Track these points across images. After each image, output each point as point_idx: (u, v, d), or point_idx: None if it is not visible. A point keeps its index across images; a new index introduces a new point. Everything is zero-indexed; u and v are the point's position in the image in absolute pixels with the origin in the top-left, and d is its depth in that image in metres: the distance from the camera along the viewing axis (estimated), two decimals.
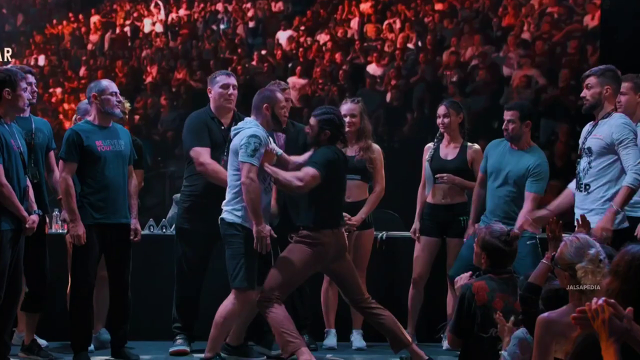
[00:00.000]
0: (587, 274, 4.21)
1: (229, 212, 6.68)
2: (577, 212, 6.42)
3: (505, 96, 11.86)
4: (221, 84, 7.38)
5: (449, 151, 7.82)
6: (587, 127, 6.64)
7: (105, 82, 7.10)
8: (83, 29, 12.91)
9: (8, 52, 5.81)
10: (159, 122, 12.40)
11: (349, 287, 6.93)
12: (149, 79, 12.51)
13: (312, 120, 6.80)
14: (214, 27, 12.83)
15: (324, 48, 12.47)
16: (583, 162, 6.56)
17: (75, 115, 7.75)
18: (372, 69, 12.33)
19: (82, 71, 12.68)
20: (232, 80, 7.39)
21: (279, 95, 6.84)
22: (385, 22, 12.50)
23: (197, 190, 7.38)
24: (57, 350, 7.45)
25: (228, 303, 6.68)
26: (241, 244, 6.61)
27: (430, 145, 7.91)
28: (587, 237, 4.40)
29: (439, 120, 7.81)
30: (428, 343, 7.65)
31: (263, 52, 12.51)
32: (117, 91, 7.05)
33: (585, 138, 6.59)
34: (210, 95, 7.45)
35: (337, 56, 12.38)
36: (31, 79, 7.01)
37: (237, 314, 6.73)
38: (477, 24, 12.34)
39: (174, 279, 7.47)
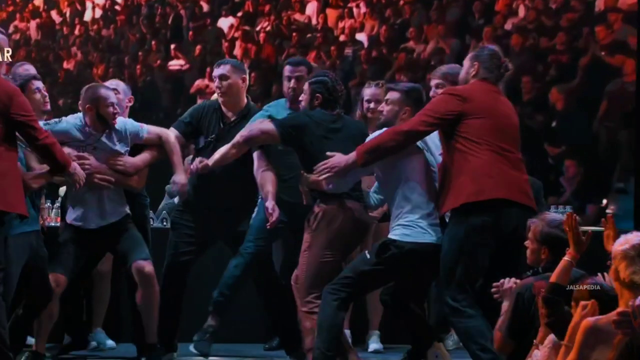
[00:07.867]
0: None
1: None
2: None
3: None
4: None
5: None
6: None
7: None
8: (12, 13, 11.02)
9: (8, 52, 5.21)
10: None
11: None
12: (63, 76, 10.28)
13: (305, 86, 6.30)
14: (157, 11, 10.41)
15: (255, 40, 9.57)
16: None
17: None
18: None
19: None
20: (217, 72, 6.86)
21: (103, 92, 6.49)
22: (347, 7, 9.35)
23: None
24: (47, 350, 7.00)
25: None
26: None
27: None
28: None
29: None
30: None
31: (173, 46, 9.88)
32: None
33: None
34: None
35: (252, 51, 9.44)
36: (38, 84, 6.60)
37: None
38: (458, 8, 8.81)
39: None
